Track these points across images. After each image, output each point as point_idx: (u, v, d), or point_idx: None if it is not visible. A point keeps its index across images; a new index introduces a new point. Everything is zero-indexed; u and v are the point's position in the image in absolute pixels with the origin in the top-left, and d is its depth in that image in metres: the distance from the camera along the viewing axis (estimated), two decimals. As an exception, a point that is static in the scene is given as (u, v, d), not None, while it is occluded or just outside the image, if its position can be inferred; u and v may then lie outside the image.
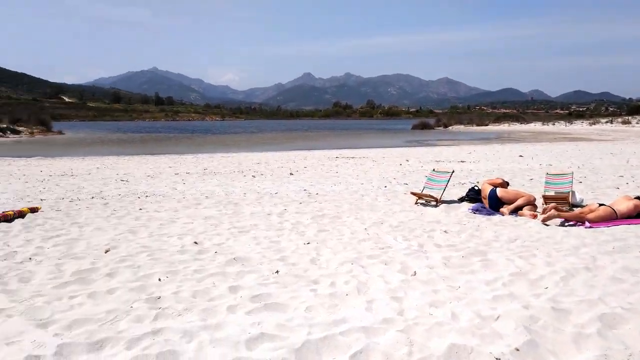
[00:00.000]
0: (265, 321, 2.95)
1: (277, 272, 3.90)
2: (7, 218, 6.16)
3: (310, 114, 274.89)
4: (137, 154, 21.68)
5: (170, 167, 13.91)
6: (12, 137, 39.59)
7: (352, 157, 17.28)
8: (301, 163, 14.90)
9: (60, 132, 48.52)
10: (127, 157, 18.27)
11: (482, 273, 3.87)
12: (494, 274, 3.80)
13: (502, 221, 5.90)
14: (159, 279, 3.74)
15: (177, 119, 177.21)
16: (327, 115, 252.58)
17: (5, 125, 43.15)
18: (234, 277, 3.79)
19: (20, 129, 44.49)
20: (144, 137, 47.99)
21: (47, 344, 2.64)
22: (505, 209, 6.32)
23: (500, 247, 4.62)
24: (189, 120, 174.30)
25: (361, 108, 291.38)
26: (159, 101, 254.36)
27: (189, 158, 17.57)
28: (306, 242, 4.87)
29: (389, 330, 2.81)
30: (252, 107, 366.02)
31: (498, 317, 2.94)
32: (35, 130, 45.67)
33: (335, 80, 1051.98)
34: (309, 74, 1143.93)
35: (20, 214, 6.46)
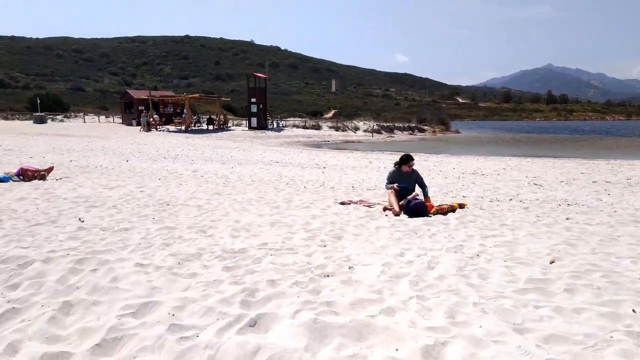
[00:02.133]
0: None
1: None
2: (443, 211, 6.90)
3: None
4: (537, 155, 21.06)
5: (582, 173, 12.76)
6: (418, 135, 45.87)
7: None
8: None
9: (457, 131, 52.92)
10: (529, 159, 18.01)
11: None
12: None
13: None
14: (633, 310, 3.24)
15: (571, 118, 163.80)
16: None
17: (414, 124, 50.43)
18: None
19: (425, 127, 51.01)
20: (537, 137, 46.54)
21: (532, 353, 2.62)
22: None
23: None
24: (584, 119, 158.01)
25: None
26: (550, 99, 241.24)
27: (601, 164, 15.73)
28: None
29: None
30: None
31: None
32: (437, 129, 51.36)
33: None
34: None
35: (452, 209, 7.12)
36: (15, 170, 10.24)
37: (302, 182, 10.30)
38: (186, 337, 2.96)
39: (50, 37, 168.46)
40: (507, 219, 6.51)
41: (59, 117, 53.12)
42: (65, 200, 7.54)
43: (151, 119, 35.36)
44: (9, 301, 3.60)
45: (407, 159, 7.35)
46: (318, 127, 41.15)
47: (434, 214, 6.71)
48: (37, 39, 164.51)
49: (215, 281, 3.84)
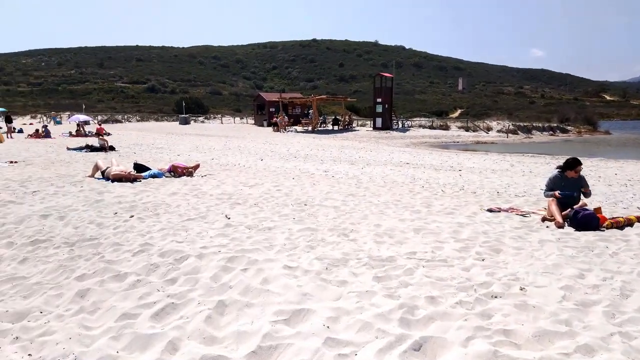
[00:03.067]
0: None
1: None
2: (619, 224, 5.86)
3: None
4: None
5: None
6: (560, 136, 41.65)
7: None
8: None
9: (607, 132, 46.92)
10: None
11: None
12: None
13: None
14: None
15: None
16: None
17: (555, 124, 45.96)
18: None
19: (568, 127, 46.16)
20: None
21: None
22: None
23: None
24: None
25: None
26: None
27: None
28: None
29: None
30: None
31: None
32: (582, 129, 46.18)
33: None
34: None
35: (629, 222, 6.02)
36: (167, 167, 11.16)
37: (438, 185, 9.69)
38: (344, 355, 2.70)
39: (194, 46, 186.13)
40: None
41: (200, 118, 58.31)
42: (211, 197, 7.91)
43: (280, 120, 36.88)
44: (168, 296, 3.68)
45: (574, 164, 6.38)
46: (446, 127, 39.43)
47: (607, 228, 5.71)
48: (182, 48, 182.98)
49: (367, 292, 3.54)
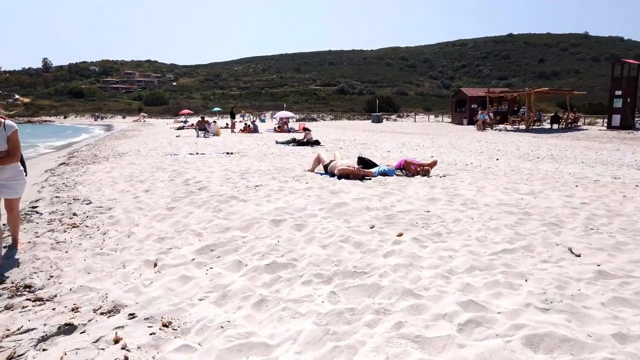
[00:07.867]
0: None
1: None
2: None
3: None
4: None
5: None
6: None
7: None
8: None
9: None
10: None
11: None
12: None
13: None
14: None
15: None
16: None
17: None
18: None
19: None
20: None
21: None
22: None
23: None
24: None
25: None
26: None
27: None
28: None
29: None
30: None
31: None
32: None
33: None
34: None
35: None
36: (395, 163, 8.99)
37: None
38: None
39: (382, 48, 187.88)
40: None
41: (393, 116, 56.88)
42: (489, 207, 5.30)
43: (487, 117, 32.62)
44: None
45: None
46: None
47: None
48: (371, 50, 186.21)
49: None
